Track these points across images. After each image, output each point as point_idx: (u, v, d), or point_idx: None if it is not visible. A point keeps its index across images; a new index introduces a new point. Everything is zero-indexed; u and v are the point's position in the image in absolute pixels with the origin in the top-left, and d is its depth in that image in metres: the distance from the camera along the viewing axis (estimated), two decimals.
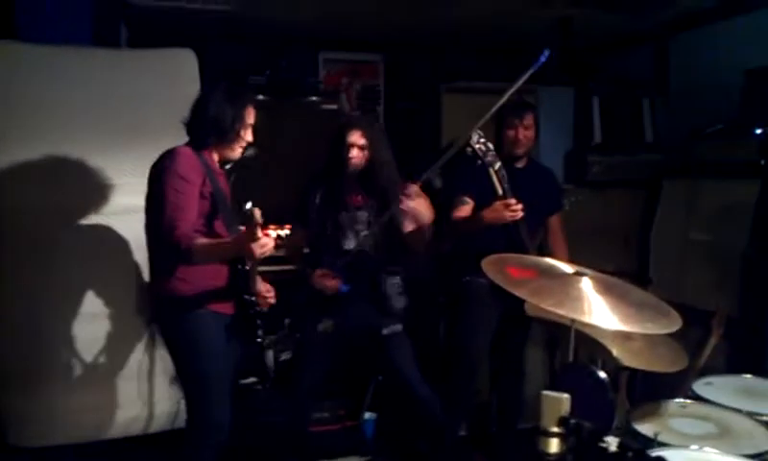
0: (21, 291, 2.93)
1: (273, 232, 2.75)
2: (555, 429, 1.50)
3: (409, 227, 2.85)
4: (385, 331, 2.86)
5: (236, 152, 2.55)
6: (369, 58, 4.79)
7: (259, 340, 2.54)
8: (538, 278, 2.09)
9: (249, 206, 2.08)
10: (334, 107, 4.24)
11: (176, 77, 3.26)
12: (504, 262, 2.19)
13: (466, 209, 3.13)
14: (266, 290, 2.61)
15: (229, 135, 2.49)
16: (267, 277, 3.90)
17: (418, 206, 2.69)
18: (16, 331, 2.92)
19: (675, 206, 3.95)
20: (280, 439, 3.14)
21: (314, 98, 4.21)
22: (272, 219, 3.98)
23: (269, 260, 3.92)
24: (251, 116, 2.53)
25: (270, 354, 3.95)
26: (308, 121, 4.00)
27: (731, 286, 3.50)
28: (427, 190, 2.83)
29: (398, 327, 2.90)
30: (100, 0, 3.54)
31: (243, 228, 2.15)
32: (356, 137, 2.84)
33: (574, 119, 4.31)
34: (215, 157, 2.55)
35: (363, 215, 2.89)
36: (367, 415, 3.75)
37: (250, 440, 3.50)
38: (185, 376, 2.54)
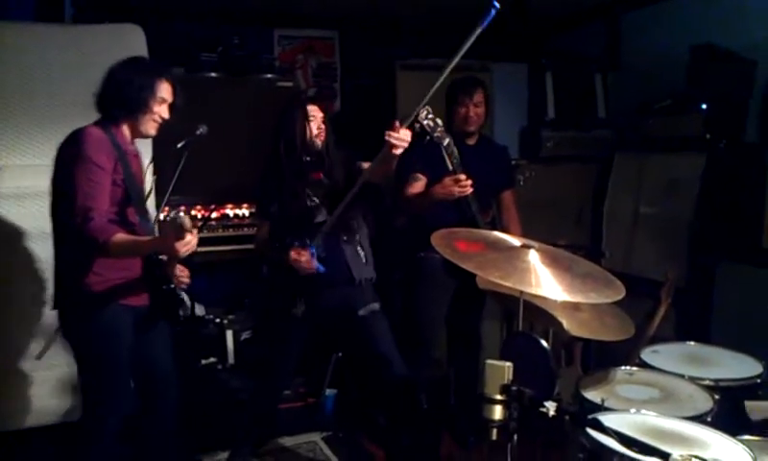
0: None
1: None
2: (498, 397, 1.53)
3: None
4: (361, 312, 2.81)
5: (148, 127, 2.42)
6: (324, 34, 4.74)
7: (182, 319, 2.50)
8: (485, 251, 2.12)
9: (180, 214, 2.04)
10: (290, 84, 4.20)
11: (121, 53, 3.15)
12: (453, 236, 2.21)
13: (418, 186, 3.14)
14: (180, 271, 2.50)
15: (138, 107, 2.36)
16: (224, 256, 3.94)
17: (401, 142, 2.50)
18: None
19: (625, 180, 4.04)
20: (246, 417, 3.13)
21: (269, 75, 4.16)
22: (225, 197, 3.97)
23: (225, 241, 3.97)
24: (164, 90, 2.40)
25: (230, 334, 3.95)
26: (263, 98, 3.95)
27: (678, 257, 3.60)
28: None
29: (375, 305, 2.85)
30: None
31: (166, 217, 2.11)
32: (316, 111, 2.83)
33: (528, 95, 4.35)
34: (126, 133, 2.42)
35: (322, 191, 2.83)
36: (327, 392, 3.78)
37: (211, 418, 3.52)
38: (88, 370, 2.43)
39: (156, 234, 2.32)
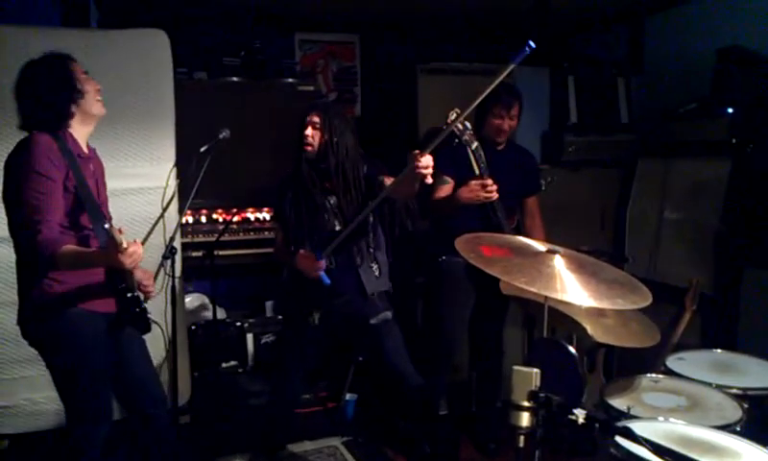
0: None
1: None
2: (525, 403, 1.51)
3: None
4: (373, 321, 2.80)
5: (91, 108, 2.32)
6: (345, 39, 4.75)
7: (151, 324, 2.40)
8: (510, 256, 2.10)
9: (107, 226, 1.99)
10: (311, 88, 4.21)
11: (148, 58, 3.21)
12: (477, 241, 2.19)
13: (446, 189, 3.13)
14: (145, 278, 2.43)
15: (67, 105, 2.26)
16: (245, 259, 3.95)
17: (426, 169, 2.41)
18: None
19: (649, 185, 3.99)
20: (263, 421, 3.13)
21: (290, 80, 4.18)
22: (247, 201, 3.99)
23: (246, 245, 3.98)
24: (77, 71, 2.30)
25: (250, 337, 3.96)
26: (285, 103, 3.97)
27: (703, 263, 3.55)
28: None
29: (387, 314, 2.83)
30: None
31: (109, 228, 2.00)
32: (311, 117, 2.78)
33: (550, 99, 4.32)
34: (78, 134, 2.32)
35: (333, 199, 2.80)
36: (347, 396, 3.77)
37: (231, 422, 3.53)
38: (61, 380, 2.32)
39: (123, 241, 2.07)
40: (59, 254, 2.09)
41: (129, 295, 2.28)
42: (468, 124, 2.81)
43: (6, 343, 2.98)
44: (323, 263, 2.68)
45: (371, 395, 3.78)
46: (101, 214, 2.31)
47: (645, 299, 2.02)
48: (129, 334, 2.40)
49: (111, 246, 2.01)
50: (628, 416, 2.01)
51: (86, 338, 2.27)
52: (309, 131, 2.76)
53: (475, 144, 2.88)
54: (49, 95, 2.24)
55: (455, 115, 2.65)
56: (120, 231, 2.00)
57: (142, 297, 2.37)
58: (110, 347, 2.35)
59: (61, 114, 2.28)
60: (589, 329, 2.43)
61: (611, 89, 4.30)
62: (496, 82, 2.00)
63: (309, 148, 2.76)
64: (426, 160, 2.30)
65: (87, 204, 2.27)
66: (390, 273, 2.92)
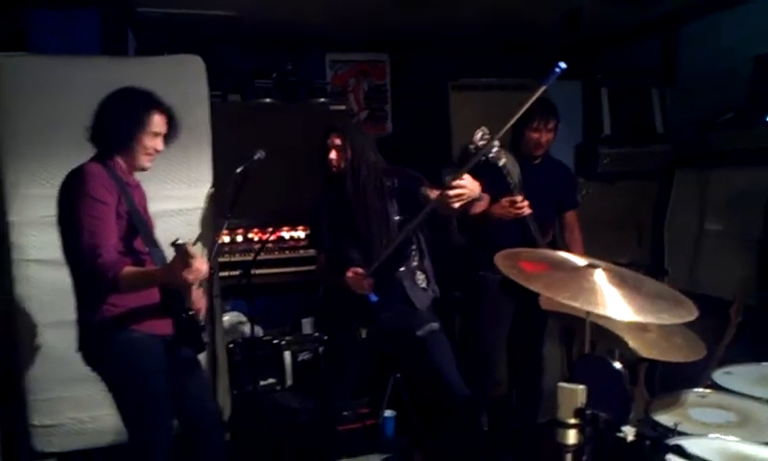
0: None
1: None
2: (572, 420, 1.49)
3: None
4: (419, 333, 2.77)
5: (142, 160, 2.38)
6: (375, 57, 4.79)
7: (206, 342, 2.47)
8: (550, 271, 2.08)
9: (179, 241, 2.01)
10: (342, 107, 4.26)
11: (184, 83, 3.28)
12: (516, 257, 2.18)
13: (481, 204, 3.10)
14: (197, 298, 2.43)
15: (127, 142, 2.33)
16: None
17: (470, 191, 2.42)
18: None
19: (688, 196, 3.93)
20: (306, 437, 3.13)
21: (322, 99, 4.23)
22: (282, 220, 4.03)
23: (282, 263, 4.02)
24: (155, 124, 2.36)
25: (287, 355, 3.98)
26: (317, 122, 4.00)
27: (747, 274, 3.47)
28: None
29: (434, 325, 2.80)
30: (107, 10, 3.57)
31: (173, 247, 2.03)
32: (332, 140, 2.76)
33: (583, 112, 4.29)
34: (124, 166, 2.38)
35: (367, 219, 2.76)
36: (387, 413, 3.76)
37: (270, 440, 3.54)
38: (121, 398, 2.36)
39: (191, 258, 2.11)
40: (121, 276, 2.12)
41: (184, 315, 2.32)
42: (495, 142, 2.77)
43: (52, 363, 3.04)
44: (372, 281, 2.66)
45: (410, 411, 3.76)
46: (154, 237, 2.37)
47: (690, 313, 1.97)
48: (184, 353, 2.44)
49: (179, 261, 2.04)
50: (676, 433, 1.96)
51: (146, 360, 2.31)
52: (333, 154, 2.74)
53: (503, 161, 2.85)
54: (118, 126, 2.31)
55: (480, 134, 2.64)
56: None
57: (198, 316, 2.41)
58: (168, 367, 2.38)
59: (113, 146, 2.34)
60: (632, 344, 2.37)
61: (645, 100, 4.26)
62: (527, 105, 2.00)
63: (335, 170, 2.76)
64: (456, 190, 2.30)
65: (141, 227, 2.33)
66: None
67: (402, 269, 2.78)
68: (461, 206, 2.40)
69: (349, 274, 2.68)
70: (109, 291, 2.22)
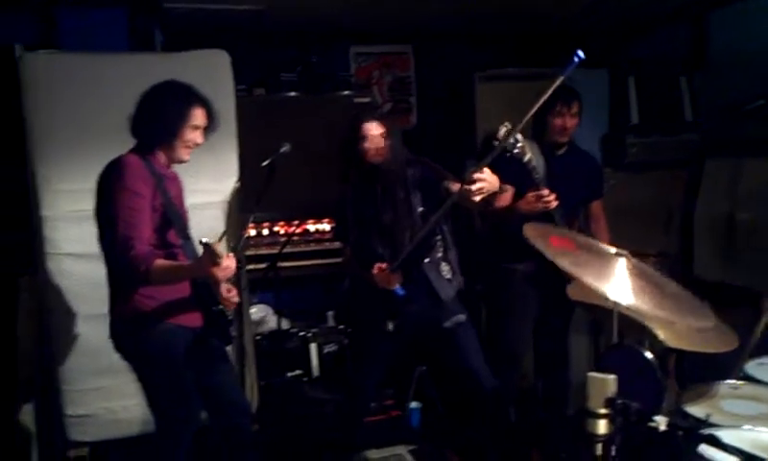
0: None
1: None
2: (602, 410, 1.48)
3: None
4: (446, 324, 2.78)
5: (181, 153, 2.42)
6: (399, 49, 4.78)
7: (233, 336, 2.52)
8: (577, 251, 2.06)
9: (205, 240, 2.04)
10: (366, 99, 4.26)
11: (210, 78, 3.29)
12: (547, 231, 2.16)
13: (506, 198, 3.09)
14: (227, 291, 2.46)
15: (169, 135, 2.37)
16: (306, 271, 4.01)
17: (490, 184, 2.42)
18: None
19: (718, 185, 3.86)
20: (333, 428, 3.15)
21: (346, 92, 4.24)
22: (307, 213, 4.05)
23: (308, 256, 4.05)
24: (196, 117, 2.39)
25: (314, 347, 4.01)
26: (342, 115, 4.01)
27: None
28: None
29: (461, 317, 2.80)
30: (135, 8, 3.62)
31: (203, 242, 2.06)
32: (374, 128, 2.73)
33: (609, 100, 4.23)
34: (163, 159, 2.43)
35: (395, 211, 2.76)
36: (412, 404, 3.77)
37: (296, 431, 3.57)
38: (150, 388, 2.42)
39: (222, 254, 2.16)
40: (152, 268, 2.16)
41: (215, 308, 2.37)
42: (518, 136, 2.74)
43: (84, 354, 3.11)
44: (399, 276, 2.66)
45: (436, 402, 3.77)
46: (188, 230, 2.41)
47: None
48: (213, 346, 2.49)
49: (207, 259, 2.08)
50: (708, 424, 1.94)
51: (175, 352, 2.36)
52: (374, 143, 2.71)
53: (527, 156, 2.82)
54: (159, 119, 2.35)
55: (504, 130, 2.61)
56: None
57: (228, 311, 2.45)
58: (197, 358, 2.43)
59: (155, 139, 2.39)
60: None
61: (673, 88, 4.18)
62: (545, 96, 1.98)
63: (372, 160, 2.73)
64: (477, 184, 2.29)
65: (175, 221, 2.37)
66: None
67: (427, 260, 2.77)
68: (482, 199, 2.39)
69: (375, 270, 2.68)
70: (140, 283, 2.26)
